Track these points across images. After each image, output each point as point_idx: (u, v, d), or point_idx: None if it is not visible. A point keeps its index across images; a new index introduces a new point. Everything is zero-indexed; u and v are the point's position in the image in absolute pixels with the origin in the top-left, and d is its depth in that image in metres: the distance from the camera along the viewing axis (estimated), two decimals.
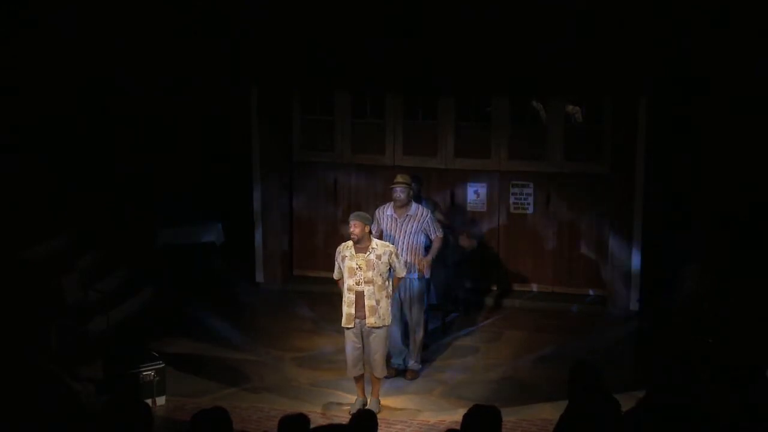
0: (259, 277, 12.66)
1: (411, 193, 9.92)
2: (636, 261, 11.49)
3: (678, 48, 10.66)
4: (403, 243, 9.70)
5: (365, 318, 8.93)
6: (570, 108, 11.95)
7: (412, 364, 9.95)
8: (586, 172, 11.88)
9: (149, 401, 8.84)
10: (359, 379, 9.20)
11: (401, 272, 9.14)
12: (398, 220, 9.79)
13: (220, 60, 11.75)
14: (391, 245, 9.16)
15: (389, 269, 9.03)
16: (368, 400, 9.17)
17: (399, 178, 9.91)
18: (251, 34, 11.69)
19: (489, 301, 11.69)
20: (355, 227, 8.89)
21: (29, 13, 11.11)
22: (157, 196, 12.49)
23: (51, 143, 11.55)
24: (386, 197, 12.46)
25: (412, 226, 9.77)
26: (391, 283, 9.10)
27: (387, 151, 12.40)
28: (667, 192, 11.48)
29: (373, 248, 8.94)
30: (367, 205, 12.22)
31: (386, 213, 9.88)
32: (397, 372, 9.87)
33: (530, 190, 11.88)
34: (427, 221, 9.82)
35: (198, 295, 12.30)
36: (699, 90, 10.83)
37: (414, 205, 9.91)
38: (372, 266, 8.89)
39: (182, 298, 12.22)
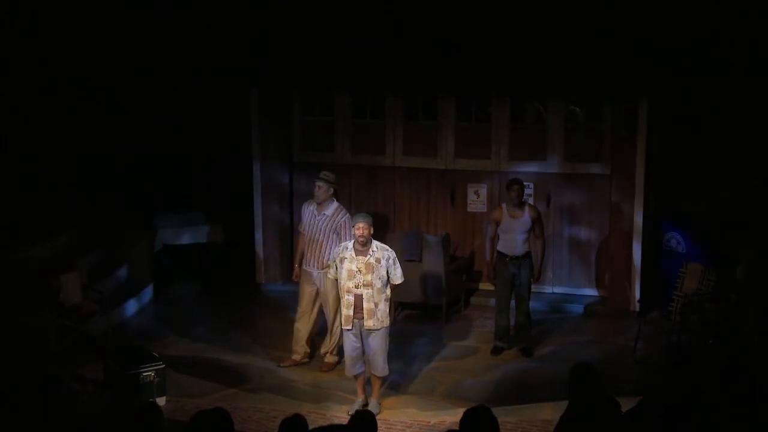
0: (259, 277, 12.66)
1: (331, 191, 9.96)
2: (636, 261, 11.50)
3: (678, 48, 10.66)
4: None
5: (363, 320, 8.90)
6: (571, 108, 11.96)
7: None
8: (586, 172, 11.89)
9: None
10: (359, 378, 9.19)
11: (398, 279, 8.98)
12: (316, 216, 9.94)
13: (220, 60, 11.74)
14: (390, 249, 9.04)
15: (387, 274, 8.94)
16: (369, 401, 9.16)
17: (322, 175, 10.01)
18: (251, 34, 11.69)
19: (489, 301, 11.65)
20: (364, 229, 8.82)
21: (28, 11, 11.12)
22: (157, 197, 12.50)
23: (51, 143, 11.56)
24: (386, 198, 12.51)
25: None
26: (389, 288, 8.99)
27: (387, 151, 12.41)
28: (668, 192, 11.49)
29: (373, 251, 8.86)
30: (368, 205, 12.23)
31: (309, 208, 10.01)
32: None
33: (530, 191, 11.87)
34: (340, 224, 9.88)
35: (198, 296, 12.33)
36: (699, 90, 10.84)
37: (335, 204, 9.97)
38: (371, 269, 8.82)
39: (182, 298, 12.25)
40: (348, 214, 9.94)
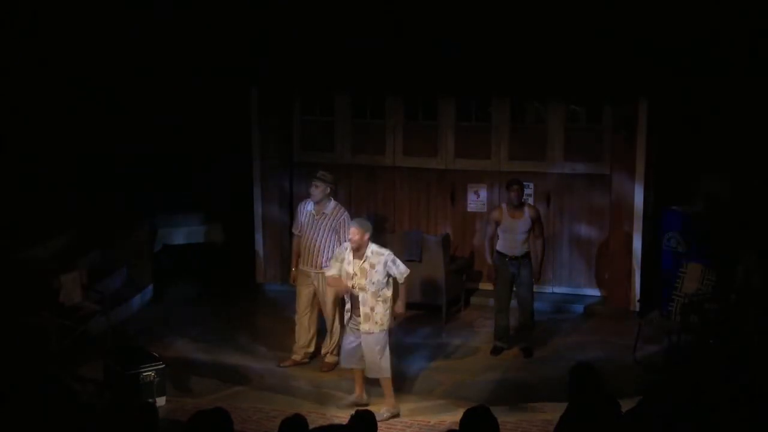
0: (259, 277, 12.66)
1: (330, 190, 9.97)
2: (636, 261, 11.49)
3: (678, 48, 10.66)
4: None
5: (361, 321, 8.89)
6: (572, 108, 11.96)
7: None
8: (586, 172, 11.89)
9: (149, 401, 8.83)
10: (357, 374, 9.15)
11: (402, 276, 8.93)
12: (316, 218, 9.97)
13: (220, 60, 11.75)
14: (387, 251, 8.95)
15: (387, 276, 8.89)
16: (368, 400, 9.14)
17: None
18: (251, 34, 11.69)
19: (489, 301, 11.66)
20: (354, 234, 8.82)
21: (28, 11, 11.12)
22: (157, 197, 12.50)
23: (51, 143, 11.56)
24: (386, 198, 12.50)
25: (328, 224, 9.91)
26: (389, 288, 8.94)
27: (387, 151, 12.40)
28: (668, 192, 11.49)
29: (367, 256, 8.83)
30: (368, 206, 12.24)
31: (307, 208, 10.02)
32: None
33: (530, 191, 11.87)
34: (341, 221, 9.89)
35: (198, 296, 12.33)
36: (699, 90, 10.84)
37: (332, 203, 9.96)
38: (365, 274, 8.82)
39: (182, 298, 12.24)
40: (347, 213, 9.95)
